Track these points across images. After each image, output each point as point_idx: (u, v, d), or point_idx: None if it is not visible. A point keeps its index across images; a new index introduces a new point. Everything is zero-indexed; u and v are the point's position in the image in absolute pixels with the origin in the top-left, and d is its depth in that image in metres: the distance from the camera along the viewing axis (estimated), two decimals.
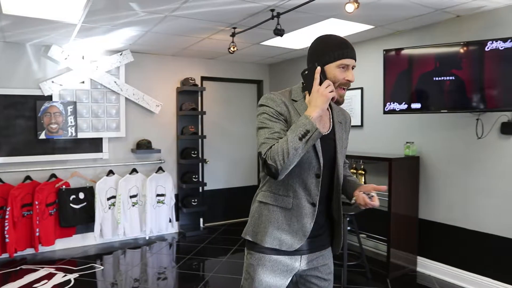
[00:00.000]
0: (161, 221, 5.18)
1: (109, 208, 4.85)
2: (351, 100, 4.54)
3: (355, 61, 1.57)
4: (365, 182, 4.20)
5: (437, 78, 3.29)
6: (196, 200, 5.31)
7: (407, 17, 3.52)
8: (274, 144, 1.43)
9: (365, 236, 4.34)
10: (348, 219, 3.63)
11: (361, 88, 4.44)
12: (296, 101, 1.58)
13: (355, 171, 4.27)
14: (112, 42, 4.49)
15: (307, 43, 4.60)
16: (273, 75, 6.11)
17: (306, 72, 1.52)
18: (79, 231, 4.79)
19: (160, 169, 5.21)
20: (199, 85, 5.52)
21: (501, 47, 3.01)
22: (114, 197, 4.87)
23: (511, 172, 3.20)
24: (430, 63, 3.33)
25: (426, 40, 3.73)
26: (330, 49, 1.53)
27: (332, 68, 1.52)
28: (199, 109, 5.52)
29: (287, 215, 1.58)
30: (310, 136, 1.40)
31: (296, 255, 1.61)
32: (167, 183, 5.19)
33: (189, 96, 5.40)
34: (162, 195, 5.16)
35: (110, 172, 4.91)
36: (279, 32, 3.28)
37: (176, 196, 5.37)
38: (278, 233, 1.58)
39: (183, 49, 4.90)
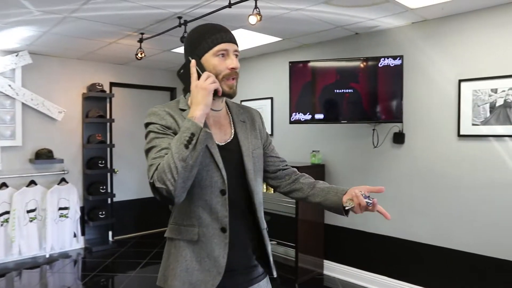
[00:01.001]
0: (64, 236, 4.80)
1: (1, 225, 4.37)
2: (262, 109, 4.64)
3: (237, 46, 1.35)
4: (274, 190, 4.29)
5: (338, 91, 3.49)
6: (104, 212, 5.01)
7: (311, 32, 3.70)
8: (160, 163, 1.18)
9: (275, 242, 4.43)
10: None
11: (271, 98, 4.57)
12: (184, 110, 1.34)
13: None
14: (5, 42, 4.07)
15: None
16: None
17: (182, 70, 1.30)
18: None
19: (63, 180, 4.83)
20: (108, 91, 5.25)
21: (392, 64, 3.30)
22: (7, 212, 4.40)
23: (401, 178, 3.50)
24: (332, 76, 3.53)
25: (329, 54, 3.95)
26: (202, 37, 1.31)
27: (209, 58, 1.30)
28: (108, 116, 5.23)
29: (196, 250, 1.29)
30: (196, 139, 1.17)
31: None
32: (71, 195, 4.82)
33: (96, 102, 5.10)
34: (66, 208, 4.78)
35: (3, 185, 4.43)
36: None
37: (82, 208, 5.01)
38: (187, 275, 1.28)
39: (90, 52, 4.63)
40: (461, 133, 3.14)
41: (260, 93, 4.71)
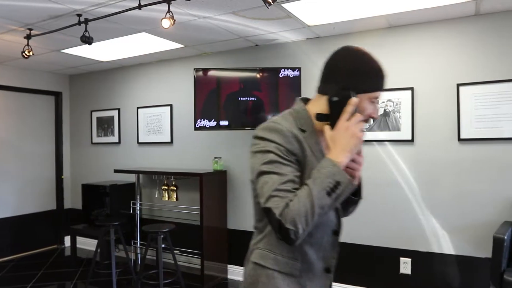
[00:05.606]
0: None
1: None
2: (161, 116, 4.56)
3: None
4: (177, 198, 4.24)
5: (242, 98, 3.64)
6: None
7: (214, 41, 3.79)
8: (292, 200, 1.06)
9: (178, 252, 4.35)
10: (162, 236, 3.57)
11: (171, 105, 4.51)
12: (304, 131, 1.20)
13: (167, 187, 4.26)
14: None
15: (115, 56, 4.42)
16: (74, 88, 5.57)
17: (337, 99, 1.15)
18: None
19: None
20: None
21: (291, 74, 3.57)
22: None
23: None
24: (236, 84, 3.66)
25: (230, 63, 4.09)
26: (371, 76, 1.19)
27: (364, 100, 1.17)
28: None
29: (292, 285, 1.21)
30: (342, 190, 1.06)
31: None
32: None
33: None
34: None
35: None
36: (87, 40, 3.03)
37: None
38: None
39: None
40: None
41: (159, 100, 4.62)
